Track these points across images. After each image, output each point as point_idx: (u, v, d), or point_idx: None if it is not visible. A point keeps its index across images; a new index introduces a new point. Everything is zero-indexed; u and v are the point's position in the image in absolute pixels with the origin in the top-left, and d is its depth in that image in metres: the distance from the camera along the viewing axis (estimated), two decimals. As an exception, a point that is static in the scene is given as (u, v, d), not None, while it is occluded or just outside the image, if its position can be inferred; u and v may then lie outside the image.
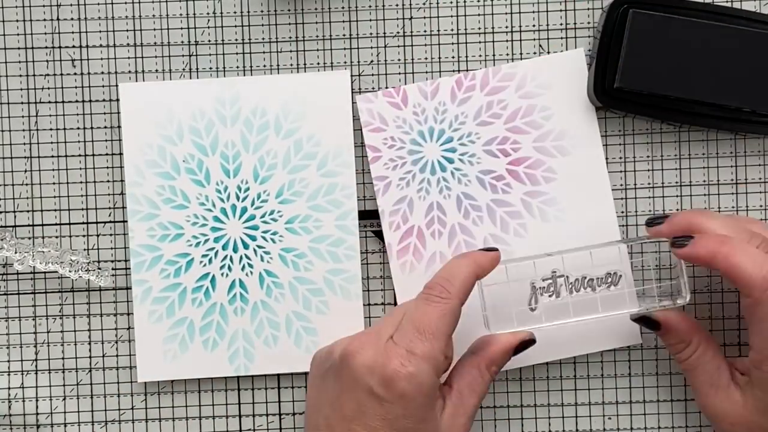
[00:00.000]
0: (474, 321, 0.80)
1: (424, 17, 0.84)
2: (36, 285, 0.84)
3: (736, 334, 0.84)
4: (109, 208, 0.84)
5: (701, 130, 0.84)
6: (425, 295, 0.75)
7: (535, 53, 0.83)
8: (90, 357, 0.85)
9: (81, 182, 0.84)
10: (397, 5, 0.83)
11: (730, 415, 0.76)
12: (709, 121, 0.81)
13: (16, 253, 0.82)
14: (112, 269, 0.84)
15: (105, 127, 0.84)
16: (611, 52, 0.80)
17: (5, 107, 0.84)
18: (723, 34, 0.79)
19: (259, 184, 0.83)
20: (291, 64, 0.84)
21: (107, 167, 0.84)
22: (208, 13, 0.83)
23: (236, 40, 0.84)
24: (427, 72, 0.84)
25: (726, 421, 0.77)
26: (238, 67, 0.84)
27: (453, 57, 0.84)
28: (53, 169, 0.84)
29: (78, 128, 0.84)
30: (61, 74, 0.84)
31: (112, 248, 0.84)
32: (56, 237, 0.84)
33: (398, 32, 0.84)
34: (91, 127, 0.84)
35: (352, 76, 0.84)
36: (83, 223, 0.84)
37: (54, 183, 0.84)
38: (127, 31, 0.83)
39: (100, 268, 0.84)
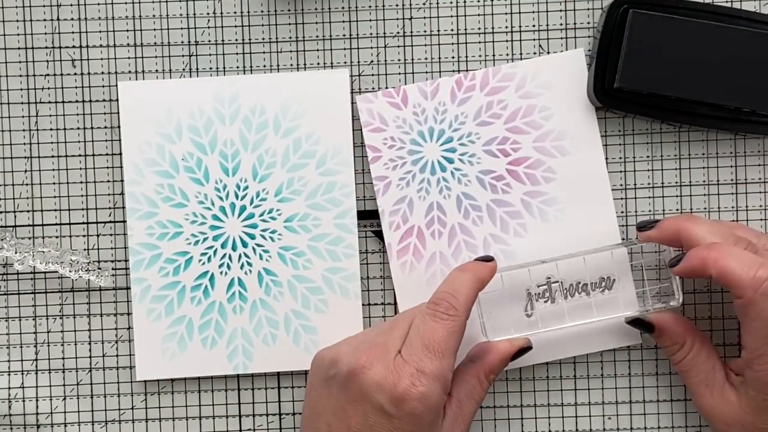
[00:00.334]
0: (471, 327, 0.79)
1: (424, 17, 0.84)
2: (36, 285, 0.84)
3: (735, 334, 0.84)
4: (109, 208, 0.84)
5: (701, 130, 0.84)
6: (432, 311, 0.75)
7: (535, 53, 0.83)
8: (90, 357, 0.85)
9: (81, 182, 0.84)
10: (397, 5, 0.83)
11: (726, 414, 0.77)
12: (709, 121, 0.81)
13: (16, 253, 0.82)
14: (112, 269, 0.84)
15: (105, 127, 0.84)
16: (611, 52, 0.80)
17: (5, 107, 0.84)
18: (723, 34, 0.79)
19: (258, 183, 0.83)
20: (291, 64, 0.84)
21: (107, 167, 0.84)
22: (208, 13, 0.83)
23: (236, 40, 0.84)
24: (427, 72, 0.84)
25: (721, 421, 0.77)
26: (238, 67, 0.84)
27: (453, 57, 0.84)
28: (53, 169, 0.84)
29: (78, 128, 0.84)
30: (61, 74, 0.84)
31: (112, 248, 0.84)
32: (56, 237, 0.84)
33: (398, 32, 0.84)
34: (91, 127, 0.84)
35: (351, 76, 0.84)
36: (83, 223, 0.84)
37: (54, 183, 0.84)
38: (127, 31, 0.83)
39: (100, 268, 0.84)
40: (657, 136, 0.84)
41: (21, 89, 0.84)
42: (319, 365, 0.77)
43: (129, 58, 0.84)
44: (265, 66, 0.84)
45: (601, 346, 0.83)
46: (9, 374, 0.85)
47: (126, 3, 0.83)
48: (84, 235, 0.84)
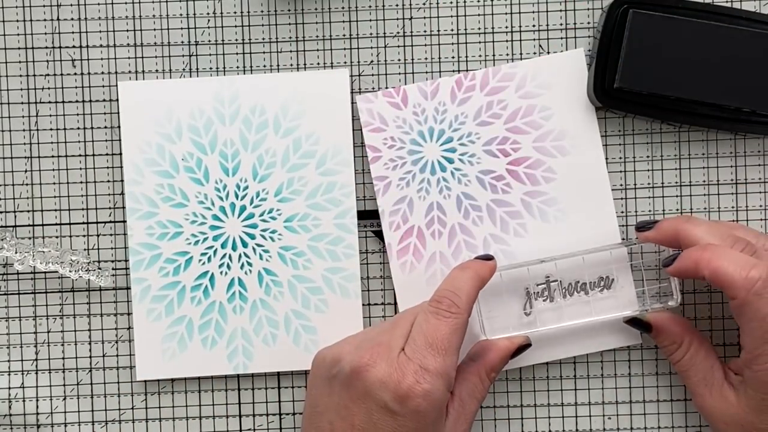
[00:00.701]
0: (471, 326, 0.80)
1: (424, 17, 0.84)
2: (36, 285, 0.84)
3: (735, 334, 0.84)
4: (109, 208, 0.84)
5: (701, 130, 0.84)
6: (434, 309, 0.76)
7: (535, 53, 0.83)
8: (90, 357, 0.85)
9: (81, 182, 0.84)
10: (397, 5, 0.83)
11: (725, 414, 0.77)
12: (709, 121, 0.81)
13: (16, 253, 0.82)
14: (112, 269, 0.84)
15: (105, 127, 0.84)
16: (611, 52, 0.80)
17: (5, 107, 0.84)
18: (723, 34, 0.79)
19: (258, 183, 0.83)
20: (291, 64, 0.84)
21: (107, 167, 0.84)
22: (208, 13, 0.83)
23: (236, 40, 0.84)
24: (427, 72, 0.84)
25: (721, 420, 0.77)
26: (238, 67, 0.84)
27: (453, 57, 0.84)
28: (53, 169, 0.84)
29: (78, 128, 0.84)
30: (61, 74, 0.84)
31: (112, 248, 0.84)
32: (56, 237, 0.84)
33: (398, 32, 0.84)
34: (91, 127, 0.84)
35: (351, 76, 0.84)
36: (83, 223, 0.84)
37: (54, 183, 0.84)
38: (127, 31, 0.83)
39: (100, 268, 0.84)
40: (657, 136, 0.84)
41: (21, 89, 0.84)
42: (321, 364, 0.77)
43: (129, 58, 0.84)
44: (265, 66, 0.84)
45: (601, 346, 0.83)
46: (9, 374, 0.85)
47: (126, 3, 0.83)
48: (84, 235, 0.84)
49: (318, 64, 0.84)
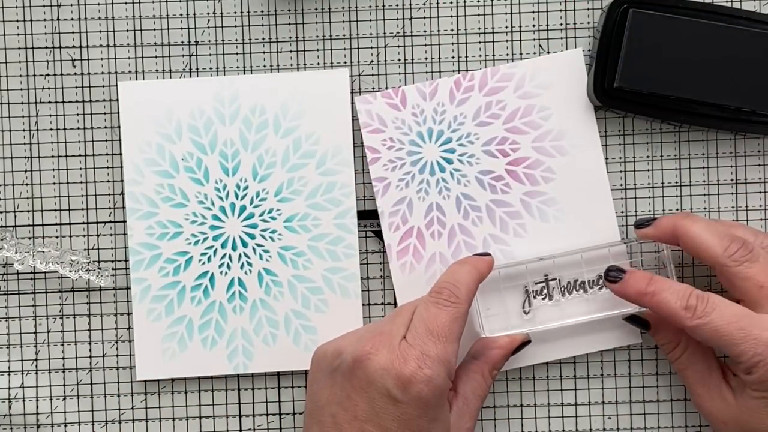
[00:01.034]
0: (470, 325, 0.81)
1: (424, 17, 0.84)
2: (36, 285, 0.84)
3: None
4: (109, 208, 0.84)
5: (701, 130, 0.84)
6: (434, 298, 0.76)
7: (535, 53, 0.83)
8: (90, 357, 0.85)
9: (81, 182, 0.84)
10: (397, 5, 0.84)
11: (723, 412, 0.77)
12: (709, 121, 0.81)
13: (16, 253, 0.82)
14: (112, 269, 0.84)
15: (105, 127, 0.84)
16: (611, 52, 0.80)
17: (5, 107, 0.84)
18: (723, 34, 0.79)
19: (258, 183, 0.83)
20: (291, 64, 0.84)
21: (107, 167, 0.84)
22: (208, 13, 0.83)
23: (236, 40, 0.84)
24: (427, 72, 0.84)
25: (718, 419, 0.78)
26: (238, 67, 0.84)
27: (453, 57, 0.84)
28: (53, 169, 0.84)
29: (78, 128, 0.84)
30: (61, 74, 0.84)
31: (112, 248, 0.84)
32: (56, 237, 0.84)
33: (398, 32, 0.84)
34: (91, 127, 0.84)
35: (351, 76, 0.84)
36: (83, 223, 0.84)
37: (54, 183, 0.84)
38: (127, 31, 0.83)
39: (100, 268, 0.84)
40: (657, 136, 0.84)
41: (21, 89, 0.84)
42: (322, 358, 0.77)
43: (129, 58, 0.84)
44: (265, 66, 0.84)
45: (601, 346, 0.83)
46: (9, 374, 0.85)
47: (126, 3, 0.83)
48: (84, 235, 0.84)
49: (318, 64, 0.84)
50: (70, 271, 0.83)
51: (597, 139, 0.83)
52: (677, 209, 0.84)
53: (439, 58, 0.84)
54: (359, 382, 0.74)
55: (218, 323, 0.83)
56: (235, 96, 0.83)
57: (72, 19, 0.83)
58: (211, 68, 0.84)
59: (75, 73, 0.84)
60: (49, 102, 0.84)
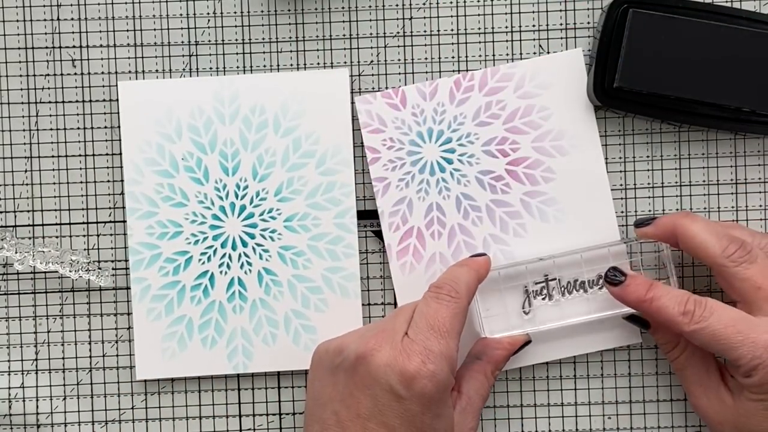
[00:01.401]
0: (470, 325, 0.81)
1: (424, 17, 0.84)
2: (36, 285, 0.85)
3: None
4: (109, 208, 0.84)
5: (701, 130, 0.84)
6: (434, 294, 0.76)
7: (534, 53, 0.83)
8: (90, 357, 0.85)
9: (81, 182, 0.84)
10: (397, 5, 0.84)
11: (720, 414, 0.78)
12: (709, 121, 0.81)
13: (16, 253, 0.82)
14: (112, 269, 0.84)
15: (105, 127, 0.84)
16: (611, 52, 0.80)
17: (5, 107, 0.84)
18: (723, 34, 0.79)
19: (258, 182, 0.83)
20: (291, 64, 0.84)
21: (107, 167, 0.84)
22: (208, 13, 0.83)
23: (236, 40, 0.84)
24: (427, 72, 0.84)
25: (715, 420, 0.78)
26: (238, 67, 0.84)
27: (453, 57, 0.84)
28: (53, 169, 0.84)
29: (78, 128, 0.84)
30: (61, 74, 0.84)
31: (112, 248, 0.84)
32: (56, 237, 0.84)
33: (398, 32, 0.84)
34: (91, 127, 0.84)
35: (351, 76, 0.84)
36: (83, 223, 0.84)
37: (54, 183, 0.84)
38: (127, 31, 0.84)
39: (100, 268, 0.84)
40: (657, 136, 0.84)
41: (21, 89, 0.84)
42: (323, 356, 0.77)
43: (129, 58, 0.84)
44: (265, 66, 0.84)
45: (601, 346, 0.83)
46: (9, 374, 0.85)
47: (126, 3, 0.83)
48: (84, 235, 0.84)
49: (318, 64, 0.84)
50: (70, 271, 0.83)
51: (597, 139, 0.83)
52: (677, 209, 0.83)
53: (439, 58, 0.84)
54: (362, 379, 0.74)
55: (218, 323, 0.83)
56: (235, 95, 0.83)
57: (72, 19, 0.83)
58: (211, 68, 0.84)
59: (75, 73, 0.84)
60: (49, 102, 0.84)
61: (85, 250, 0.84)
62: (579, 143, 0.83)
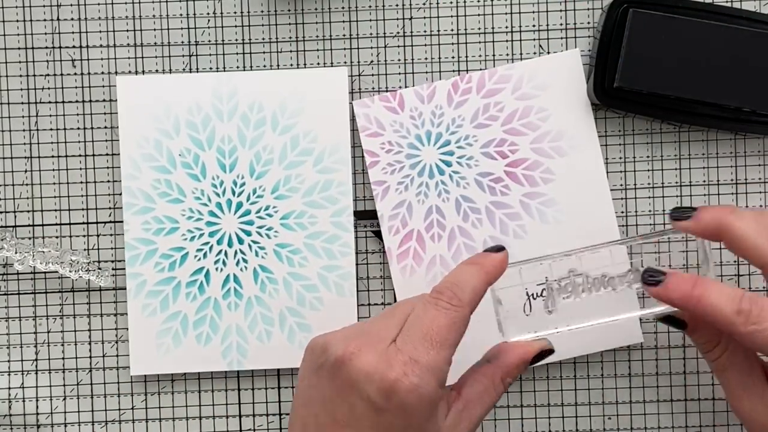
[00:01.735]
0: (486, 326, 0.76)
1: (424, 17, 0.84)
2: (36, 285, 0.85)
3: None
4: (109, 208, 0.84)
5: (701, 130, 0.83)
6: (434, 300, 0.70)
7: (534, 53, 0.83)
8: (90, 357, 0.85)
9: (81, 182, 0.84)
10: (397, 5, 0.84)
11: (764, 416, 0.72)
12: (709, 121, 0.81)
13: (16, 253, 0.83)
14: (112, 269, 0.84)
15: (105, 127, 0.84)
16: (611, 51, 0.80)
17: (5, 107, 0.84)
18: (723, 34, 0.79)
19: (255, 180, 0.83)
20: (291, 64, 0.84)
21: (107, 167, 0.84)
22: (208, 13, 0.84)
23: (236, 40, 0.84)
24: (426, 72, 0.84)
25: (758, 423, 0.72)
26: (238, 67, 0.84)
27: (453, 57, 0.84)
28: (53, 169, 0.84)
29: (78, 128, 0.84)
30: (61, 74, 0.84)
31: (112, 248, 0.84)
32: (56, 237, 0.84)
33: (398, 32, 0.84)
34: (91, 127, 0.84)
35: (351, 75, 0.84)
36: (83, 223, 0.84)
37: (54, 183, 0.84)
38: (127, 31, 0.84)
39: (100, 268, 0.84)
40: (657, 136, 0.84)
41: (21, 89, 0.84)
42: (311, 352, 0.72)
43: (129, 58, 0.84)
44: (265, 66, 0.84)
45: (601, 346, 0.83)
46: (9, 374, 0.85)
47: (126, 3, 0.83)
48: (84, 235, 0.84)
49: (318, 64, 0.84)
50: (70, 271, 0.83)
51: (596, 139, 0.83)
52: (677, 209, 0.83)
53: (439, 58, 0.84)
54: (341, 383, 0.69)
55: (213, 319, 0.83)
56: (233, 92, 0.83)
57: (72, 19, 0.84)
58: (211, 68, 0.84)
59: (75, 73, 0.84)
60: (49, 102, 0.84)
61: (85, 250, 0.84)
62: (578, 144, 0.83)
